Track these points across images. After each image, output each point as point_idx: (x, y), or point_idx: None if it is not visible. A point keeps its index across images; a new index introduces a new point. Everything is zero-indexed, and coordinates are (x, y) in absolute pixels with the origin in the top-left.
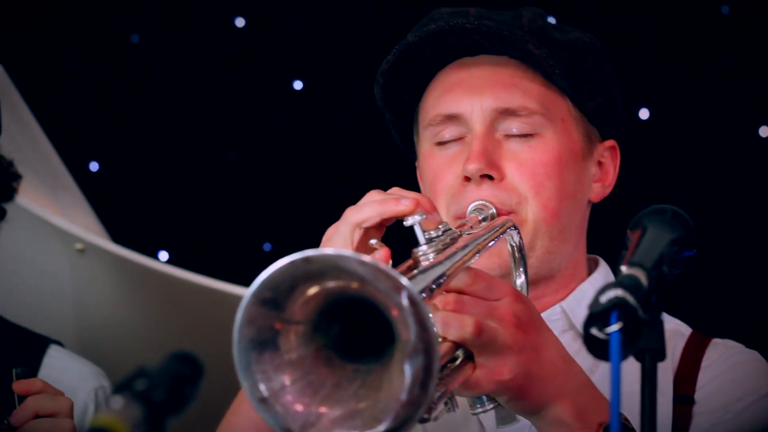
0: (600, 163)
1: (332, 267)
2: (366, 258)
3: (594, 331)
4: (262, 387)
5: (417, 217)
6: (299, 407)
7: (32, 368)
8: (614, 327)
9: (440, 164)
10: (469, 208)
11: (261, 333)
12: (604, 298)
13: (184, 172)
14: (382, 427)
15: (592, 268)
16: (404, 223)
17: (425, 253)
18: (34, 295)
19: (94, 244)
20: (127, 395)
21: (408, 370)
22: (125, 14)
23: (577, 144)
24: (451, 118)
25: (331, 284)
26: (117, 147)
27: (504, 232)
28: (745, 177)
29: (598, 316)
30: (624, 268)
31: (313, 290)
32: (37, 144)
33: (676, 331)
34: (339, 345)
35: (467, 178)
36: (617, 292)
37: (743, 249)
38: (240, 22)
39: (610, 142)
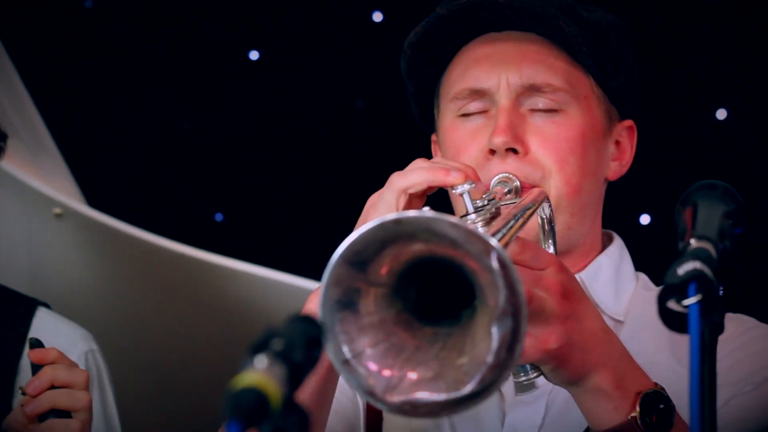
0: (618, 143)
1: (423, 229)
2: (458, 220)
3: (671, 303)
4: (345, 349)
5: (466, 186)
6: (382, 369)
7: (22, 330)
8: (693, 299)
9: (464, 136)
10: (493, 181)
11: (346, 294)
12: (681, 270)
13: (145, 140)
14: (467, 389)
15: (605, 243)
16: (453, 191)
17: (474, 221)
18: (12, 258)
19: (73, 209)
20: (270, 355)
21: (495, 333)
22: None
23: (598, 122)
24: (477, 92)
25: (417, 247)
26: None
27: (540, 204)
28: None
29: (675, 288)
30: (693, 241)
31: (397, 253)
32: (23, 108)
33: None
34: (417, 308)
35: (492, 151)
36: (695, 264)
37: None
38: None
39: (629, 122)
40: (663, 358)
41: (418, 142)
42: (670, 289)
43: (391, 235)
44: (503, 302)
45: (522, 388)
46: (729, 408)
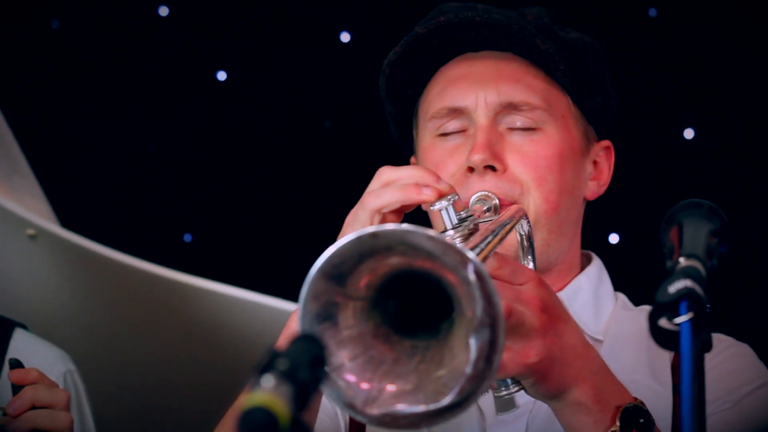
0: (595, 162)
1: (400, 242)
2: (435, 233)
3: (662, 321)
4: None
5: (444, 202)
6: (361, 382)
7: (0, 351)
8: (685, 317)
9: (442, 155)
10: (473, 199)
11: (325, 308)
12: (672, 289)
13: (116, 160)
14: (447, 400)
15: (584, 263)
16: (431, 207)
17: (453, 237)
18: None
19: (46, 230)
20: (276, 375)
21: (473, 344)
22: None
23: (576, 141)
24: (455, 111)
25: (395, 260)
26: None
27: (519, 221)
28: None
29: (667, 305)
30: (683, 260)
31: (375, 266)
32: None
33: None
34: (395, 321)
35: (470, 169)
36: (686, 283)
37: None
38: (164, 11)
39: (606, 142)
40: (641, 376)
41: (387, 160)
42: (661, 307)
43: (368, 248)
44: (480, 313)
45: (502, 406)
46: (708, 425)
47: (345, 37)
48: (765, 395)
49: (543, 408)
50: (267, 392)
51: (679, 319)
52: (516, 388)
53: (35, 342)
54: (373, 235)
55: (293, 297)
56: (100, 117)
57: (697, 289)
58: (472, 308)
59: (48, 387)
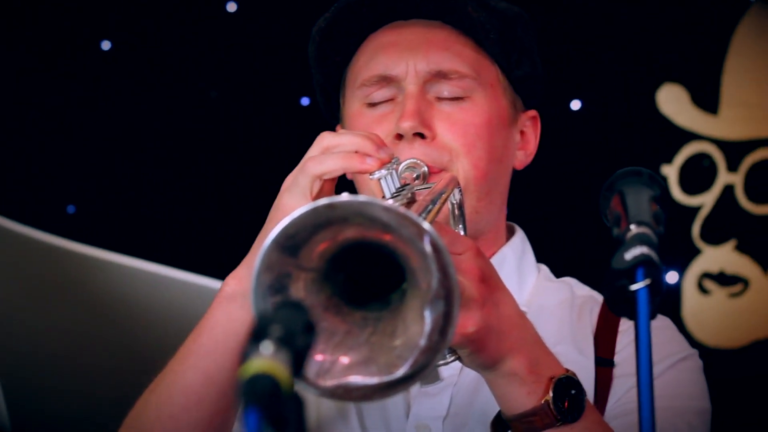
0: (522, 132)
1: (355, 213)
2: (392, 204)
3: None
4: None
5: (384, 172)
6: (314, 354)
7: None
8: (642, 283)
9: (370, 123)
10: (402, 166)
11: (278, 280)
12: (629, 255)
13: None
14: (400, 372)
15: (508, 235)
16: (370, 176)
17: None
18: None
19: None
20: (274, 341)
21: (428, 317)
22: None
23: (504, 110)
24: (384, 79)
25: (348, 231)
26: None
27: (452, 190)
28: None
29: (623, 272)
30: (634, 227)
31: (329, 237)
32: None
33: (589, 297)
34: (345, 292)
35: (399, 137)
36: (643, 249)
37: None
38: None
39: (532, 112)
40: (564, 348)
41: (272, 130)
42: (618, 274)
43: (323, 219)
44: (436, 285)
45: (426, 380)
46: (629, 397)
47: (231, 6)
48: (686, 367)
49: (467, 380)
50: (267, 359)
51: (636, 286)
52: (452, 358)
53: None
54: (329, 206)
55: (205, 270)
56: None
57: (653, 255)
58: (427, 280)
59: None
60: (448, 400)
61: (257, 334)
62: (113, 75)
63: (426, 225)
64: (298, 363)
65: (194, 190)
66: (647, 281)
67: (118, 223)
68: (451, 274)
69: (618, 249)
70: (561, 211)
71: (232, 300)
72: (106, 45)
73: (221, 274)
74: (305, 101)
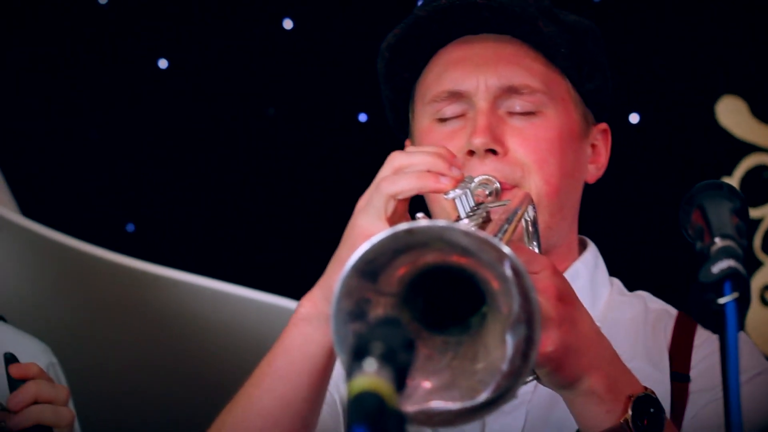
0: (594, 146)
1: (435, 238)
2: (472, 229)
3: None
4: None
5: (459, 191)
6: None
7: None
8: (730, 297)
9: (441, 138)
10: (474, 183)
11: (357, 305)
12: (716, 269)
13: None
14: (482, 397)
15: (580, 249)
16: (445, 196)
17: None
18: None
19: (9, 221)
20: (377, 359)
21: (510, 341)
22: None
23: (576, 124)
24: (455, 95)
25: (428, 256)
26: None
27: (526, 207)
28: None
29: (711, 286)
30: (719, 240)
31: (408, 262)
32: None
33: (663, 311)
34: (424, 317)
35: (471, 153)
36: (730, 263)
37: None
38: None
39: (603, 125)
40: (639, 363)
41: (329, 144)
42: (705, 287)
43: (402, 244)
44: (517, 309)
45: None
46: (706, 412)
47: (288, 24)
48: (762, 382)
49: (542, 397)
50: (371, 376)
51: (724, 299)
52: (531, 378)
53: (16, 334)
54: (409, 232)
55: (270, 288)
56: (53, 107)
57: (740, 268)
58: (508, 304)
59: (49, 382)
60: (523, 418)
61: (358, 351)
62: (171, 94)
63: (506, 249)
64: (400, 380)
65: (253, 208)
66: (735, 294)
67: (177, 241)
68: (533, 299)
69: (705, 262)
70: (624, 223)
71: (307, 323)
72: (163, 63)
73: (282, 291)
74: (363, 117)
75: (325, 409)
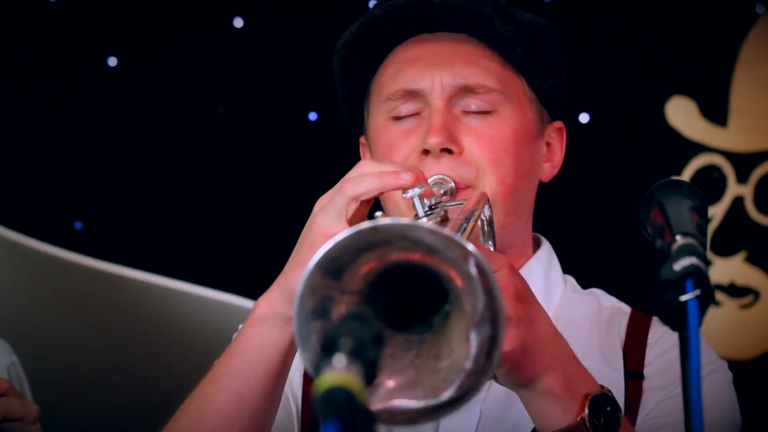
0: (548, 144)
1: (399, 236)
2: (436, 227)
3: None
4: None
5: (417, 190)
6: None
7: None
8: (692, 294)
9: (395, 137)
10: (429, 182)
11: (320, 303)
12: (678, 266)
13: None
14: (446, 395)
15: (534, 247)
16: (403, 195)
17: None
18: None
19: None
20: (346, 354)
21: (474, 340)
22: None
23: (531, 123)
24: (411, 93)
25: (391, 254)
26: None
27: (483, 206)
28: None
29: (673, 283)
30: (679, 238)
31: (372, 260)
32: None
33: (616, 308)
34: (387, 315)
35: (425, 152)
36: (692, 260)
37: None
38: None
39: (558, 124)
40: (593, 361)
41: (281, 145)
42: (667, 285)
43: (366, 242)
44: (482, 308)
45: None
46: (660, 410)
47: (238, 22)
48: (716, 380)
49: (496, 395)
50: (341, 371)
51: (686, 297)
52: None
53: None
54: (373, 229)
55: (218, 286)
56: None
57: (702, 266)
58: (473, 303)
59: (19, 399)
60: (477, 416)
61: (327, 347)
62: (120, 91)
63: (471, 247)
64: (369, 375)
65: (201, 205)
66: (697, 292)
67: (125, 238)
68: (498, 297)
69: (666, 260)
70: (576, 221)
71: (263, 323)
72: (112, 61)
73: (227, 287)
74: (313, 116)
75: (279, 409)
